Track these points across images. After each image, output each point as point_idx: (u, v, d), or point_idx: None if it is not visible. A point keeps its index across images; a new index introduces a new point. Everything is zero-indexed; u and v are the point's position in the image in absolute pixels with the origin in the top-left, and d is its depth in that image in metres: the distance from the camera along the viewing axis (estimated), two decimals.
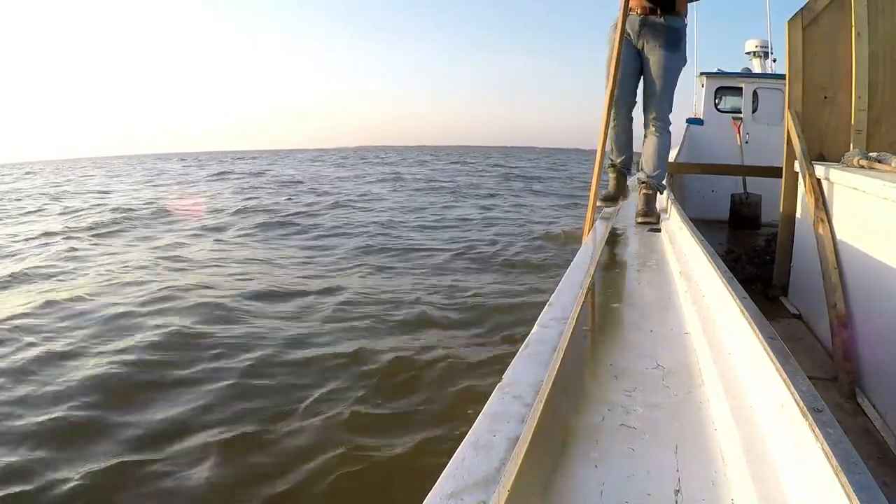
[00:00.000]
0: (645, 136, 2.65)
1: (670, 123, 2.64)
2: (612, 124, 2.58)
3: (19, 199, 14.55)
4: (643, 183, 2.64)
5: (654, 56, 2.47)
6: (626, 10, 2.33)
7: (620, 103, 2.54)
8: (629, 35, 2.46)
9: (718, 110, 6.32)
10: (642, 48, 2.49)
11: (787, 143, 2.87)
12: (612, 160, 2.71)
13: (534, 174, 23.38)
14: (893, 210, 1.69)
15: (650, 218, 2.52)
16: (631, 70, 2.52)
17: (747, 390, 0.84)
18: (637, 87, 2.58)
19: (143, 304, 4.39)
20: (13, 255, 6.71)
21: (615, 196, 2.69)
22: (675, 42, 2.49)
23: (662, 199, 2.79)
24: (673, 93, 2.57)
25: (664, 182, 2.72)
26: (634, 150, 2.77)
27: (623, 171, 2.73)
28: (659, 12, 2.42)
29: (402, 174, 23.18)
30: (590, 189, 2.40)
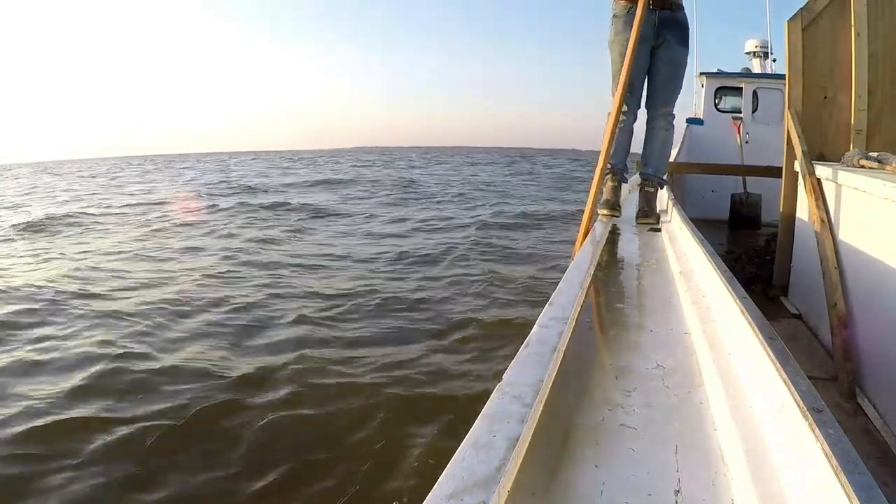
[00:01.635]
0: (651, 132, 2.60)
1: (675, 118, 2.62)
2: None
3: None
4: (647, 180, 2.58)
5: (670, 51, 2.42)
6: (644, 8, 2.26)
7: (631, 104, 2.49)
8: (645, 31, 2.37)
9: (718, 110, 6.32)
10: (658, 44, 2.42)
11: (787, 143, 2.86)
12: (611, 164, 2.56)
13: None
14: (894, 210, 1.69)
15: (650, 219, 2.47)
16: (642, 68, 2.46)
17: (747, 390, 0.84)
18: (644, 85, 2.53)
19: None
20: None
21: (616, 203, 2.60)
22: (687, 37, 2.47)
23: (663, 200, 2.77)
24: (681, 86, 2.55)
25: (664, 177, 2.69)
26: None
27: (623, 177, 2.65)
28: (673, 7, 2.39)
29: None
30: (589, 194, 2.37)
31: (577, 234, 2.33)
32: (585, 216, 2.32)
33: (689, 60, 2.60)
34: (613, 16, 2.50)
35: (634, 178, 3.11)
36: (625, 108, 2.52)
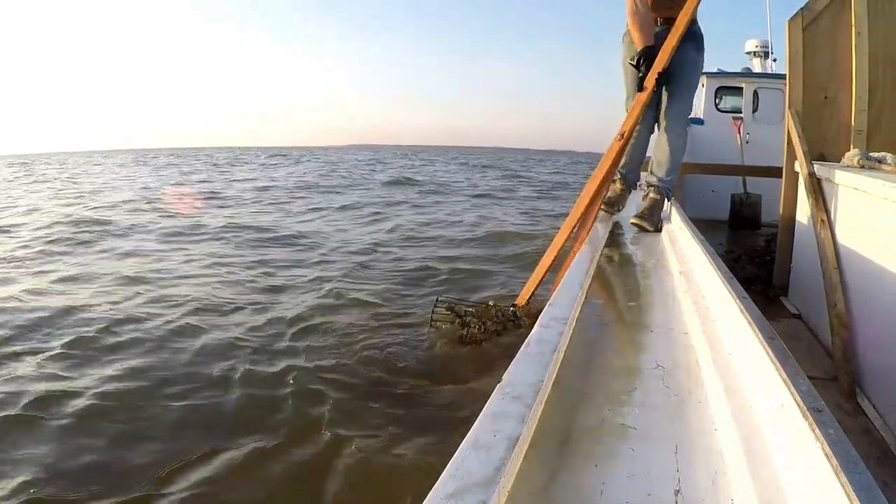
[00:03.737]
0: (661, 137, 2.55)
1: (687, 125, 2.58)
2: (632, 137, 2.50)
3: None
4: (652, 186, 2.52)
5: (681, 55, 2.39)
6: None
7: (647, 117, 2.48)
8: (655, 44, 2.40)
9: (719, 110, 6.31)
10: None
11: (788, 143, 2.86)
12: (621, 172, 2.61)
13: None
14: (893, 210, 1.69)
15: (646, 223, 2.40)
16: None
17: (747, 390, 0.84)
18: (661, 100, 2.52)
19: None
20: None
21: (616, 202, 2.62)
22: (700, 45, 2.45)
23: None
24: (694, 95, 2.54)
25: (675, 188, 2.61)
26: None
27: (630, 186, 2.65)
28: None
29: None
30: (587, 193, 2.38)
31: (561, 228, 2.36)
32: (576, 212, 2.33)
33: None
34: (624, 34, 2.53)
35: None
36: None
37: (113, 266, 5.05)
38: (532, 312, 2.45)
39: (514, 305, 2.59)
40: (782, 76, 4.04)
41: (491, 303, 2.77)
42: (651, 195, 2.51)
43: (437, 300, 2.98)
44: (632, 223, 2.44)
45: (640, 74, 2.35)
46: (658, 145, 2.57)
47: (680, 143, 2.53)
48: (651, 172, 2.60)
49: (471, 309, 2.75)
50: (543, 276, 2.49)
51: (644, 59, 2.34)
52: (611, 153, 2.39)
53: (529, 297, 2.54)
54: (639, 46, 2.36)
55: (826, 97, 2.75)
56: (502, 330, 2.49)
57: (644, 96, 2.35)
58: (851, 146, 2.54)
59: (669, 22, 2.40)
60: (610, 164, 2.39)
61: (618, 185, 2.64)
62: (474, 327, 2.54)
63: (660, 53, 2.31)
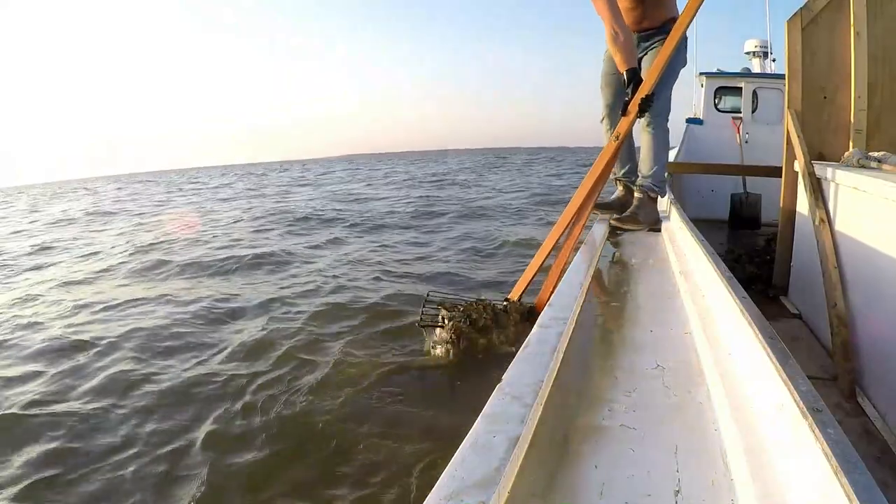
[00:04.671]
0: (643, 135, 2.58)
1: (666, 120, 2.57)
2: (610, 135, 2.53)
3: None
4: (637, 186, 2.57)
5: (652, 56, 2.43)
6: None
7: (614, 121, 2.49)
8: None
9: (718, 110, 6.32)
10: (642, 56, 2.48)
11: (787, 143, 2.87)
12: (614, 173, 2.64)
13: None
14: (893, 210, 1.69)
15: (626, 225, 2.44)
16: (622, 90, 2.46)
17: (747, 390, 0.84)
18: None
19: None
20: None
21: (610, 204, 2.64)
22: (681, 42, 2.45)
23: (663, 201, 2.75)
24: (668, 92, 2.51)
25: (663, 184, 2.61)
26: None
27: (628, 185, 2.66)
28: (655, 28, 2.43)
29: None
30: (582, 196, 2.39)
31: (555, 226, 2.38)
32: (570, 209, 2.33)
33: (688, 61, 2.57)
34: (605, 51, 2.53)
35: None
36: (608, 126, 2.53)
37: None
38: (523, 308, 2.46)
39: (506, 300, 2.59)
40: (782, 76, 4.03)
41: (482, 297, 2.74)
42: (636, 195, 2.55)
43: (426, 296, 2.81)
44: (611, 221, 2.48)
45: (627, 98, 2.35)
46: (641, 142, 2.60)
47: (662, 138, 2.55)
48: (635, 173, 2.64)
49: (460, 306, 2.69)
50: (536, 273, 2.49)
51: (628, 83, 2.34)
52: (605, 154, 2.40)
53: (521, 293, 2.55)
54: (622, 69, 2.35)
55: (825, 97, 2.75)
56: (494, 325, 2.48)
57: (627, 122, 2.35)
58: (851, 146, 2.54)
59: (643, 31, 2.46)
60: (605, 165, 2.40)
61: (619, 186, 2.69)
62: (463, 323, 2.51)
63: (646, 79, 2.32)
